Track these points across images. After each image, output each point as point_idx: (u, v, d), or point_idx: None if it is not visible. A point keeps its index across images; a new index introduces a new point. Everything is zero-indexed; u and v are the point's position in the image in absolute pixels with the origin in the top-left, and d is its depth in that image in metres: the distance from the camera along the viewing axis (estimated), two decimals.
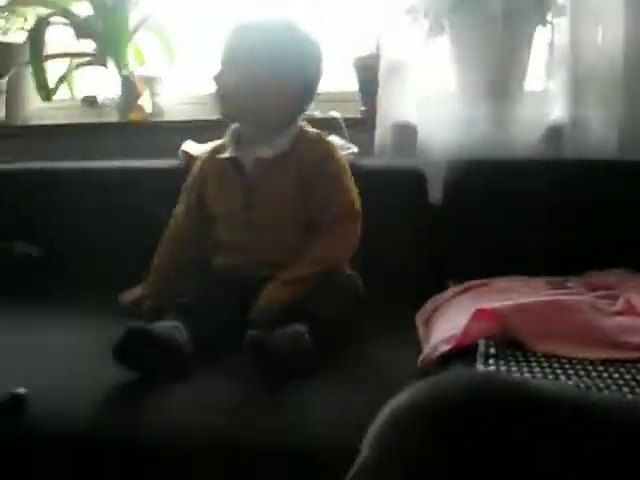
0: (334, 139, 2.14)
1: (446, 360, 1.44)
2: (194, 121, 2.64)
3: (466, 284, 1.84)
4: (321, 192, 1.76)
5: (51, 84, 2.70)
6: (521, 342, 1.40)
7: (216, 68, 1.81)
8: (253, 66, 1.75)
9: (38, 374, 1.45)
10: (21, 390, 1.33)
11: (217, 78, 1.79)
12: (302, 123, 1.87)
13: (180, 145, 2.28)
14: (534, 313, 1.43)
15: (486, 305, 1.46)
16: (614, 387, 1.23)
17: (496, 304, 1.46)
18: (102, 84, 2.86)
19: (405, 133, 2.38)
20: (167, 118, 2.75)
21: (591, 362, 1.33)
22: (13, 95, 2.75)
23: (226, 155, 1.84)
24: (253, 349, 1.41)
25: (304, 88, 1.82)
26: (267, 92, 1.76)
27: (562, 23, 2.38)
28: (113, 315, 1.75)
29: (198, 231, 1.91)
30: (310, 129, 1.87)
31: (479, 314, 1.44)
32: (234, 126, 1.88)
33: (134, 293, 1.88)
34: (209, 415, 1.33)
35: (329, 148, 1.83)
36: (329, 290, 1.64)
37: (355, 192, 1.80)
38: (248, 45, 1.77)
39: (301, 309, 1.56)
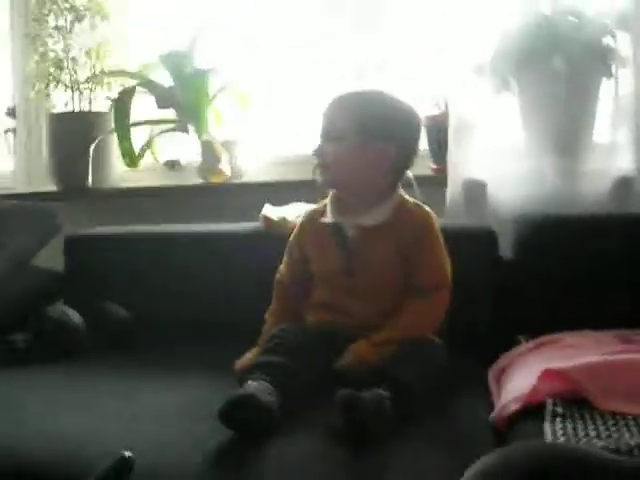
0: None
1: (516, 418, 1.49)
2: (274, 183, 2.75)
3: (537, 340, 1.89)
4: (417, 261, 1.80)
5: (135, 149, 2.84)
6: (588, 400, 1.45)
7: (315, 142, 1.86)
8: (352, 137, 1.78)
9: (142, 437, 1.51)
10: (128, 453, 1.36)
11: (317, 151, 1.84)
12: (402, 193, 1.90)
13: (259, 206, 2.38)
14: (599, 372, 1.48)
15: (554, 365, 1.52)
16: None
17: (563, 364, 1.51)
18: (183, 148, 3.00)
19: (475, 190, 2.45)
20: (247, 179, 2.87)
21: None
22: (98, 161, 2.87)
23: (328, 220, 1.87)
24: (344, 408, 1.44)
25: (403, 155, 1.85)
26: (367, 162, 1.80)
27: (626, 74, 2.43)
28: (202, 374, 1.87)
29: (301, 287, 1.95)
30: (409, 198, 1.90)
31: (547, 374, 1.50)
32: (333, 191, 1.91)
33: (246, 359, 1.86)
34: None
35: (427, 219, 1.86)
36: (414, 357, 1.66)
37: (448, 264, 1.84)
38: (345, 116, 1.81)
39: (385, 374, 1.59)
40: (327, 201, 1.91)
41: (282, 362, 1.66)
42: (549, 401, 1.46)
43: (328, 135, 1.83)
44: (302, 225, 1.98)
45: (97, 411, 1.67)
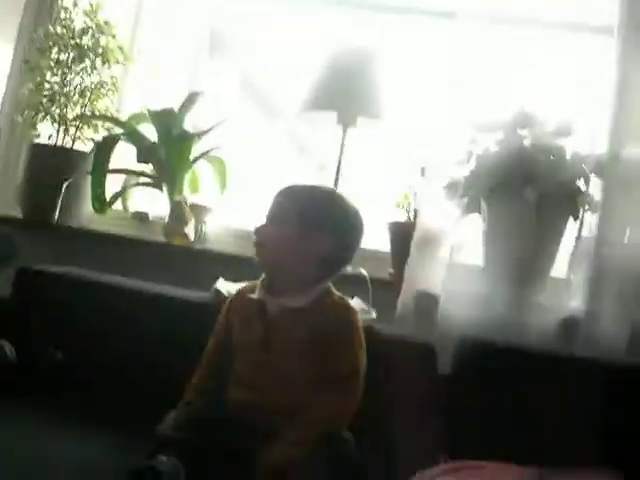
0: (356, 302, 2.27)
1: None
2: (234, 255, 2.77)
3: (457, 464, 1.91)
4: (332, 350, 1.84)
5: (107, 195, 2.86)
6: None
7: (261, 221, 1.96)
8: (287, 226, 1.89)
9: None
10: None
11: (257, 230, 1.94)
12: (329, 285, 1.97)
13: (216, 274, 2.41)
14: None
15: None
16: None
17: None
18: (154, 203, 3.03)
19: (427, 302, 2.49)
20: (210, 247, 2.90)
21: None
22: (69, 199, 2.89)
23: (254, 296, 1.94)
24: None
25: (335, 255, 1.93)
26: (298, 250, 1.89)
27: (592, 219, 2.51)
28: (120, 431, 1.90)
29: (224, 361, 1.99)
30: (335, 292, 1.97)
31: None
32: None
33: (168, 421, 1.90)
34: None
35: (348, 311, 1.92)
36: (326, 460, 1.68)
37: (361, 358, 1.88)
38: (287, 206, 1.93)
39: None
40: (259, 280, 1.99)
41: (192, 441, 1.70)
42: None
43: (271, 218, 1.95)
44: (232, 301, 2.05)
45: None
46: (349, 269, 2.52)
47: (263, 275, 1.99)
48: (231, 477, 1.61)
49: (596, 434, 2.07)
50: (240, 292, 2.05)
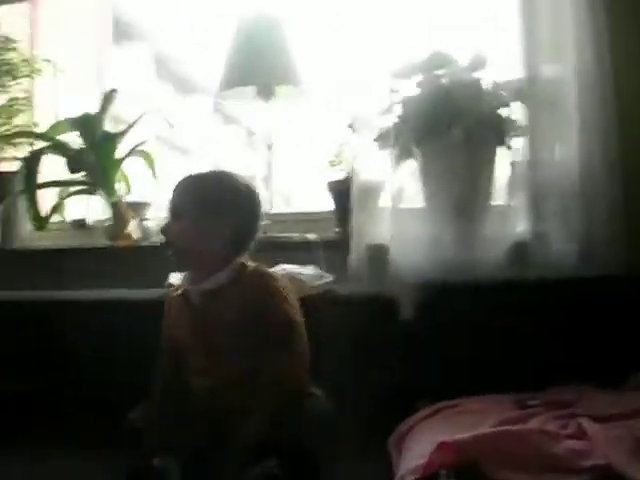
0: (311, 269, 2.30)
1: None
2: None
3: (436, 406, 1.96)
4: (264, 318, 1.90)
5: (43, 210, 2.84)
6: (480, 471, 1.51)
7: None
8: (189, 215, 1.96)
9: None
10: None
11: (162, 229, 2.03)
12: (242, 260, 2.02)
13: (167, 268, 2.41)
14: (491, 444, 1.55)
15: (449, 436, 1.58)
16: None
17: (457, 436, 1.58)
18: (92, 209, 3.01)
19: (378, 254, 2.52)
20: (155, 241, 2.88)
21: None
22: (8, 222, 2.86)
23: (179, 292, 2.05)
24: None
25: (239, 229, 2.00)
26: (203, 237, 1.96)
27: (521, 143, 2.55)
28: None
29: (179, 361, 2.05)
30: (251, 263, 2.03)
31: (442, 445, 1.56)
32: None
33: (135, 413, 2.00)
34: None
35: (266, 278, 1.99)
36: (292, 418, 1.77)
37: (291, 314, 1.94)
38: (183, 197, 2.00)
39: (269, 442, 1.69)
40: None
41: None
42: (443, 473, 1.52)
43: (171, 214, 2.01)
44: (167, 303, 2.12)
45: None
46: (296, 236, 2.57)
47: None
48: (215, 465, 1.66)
49: (561, 351, 2.14)
50: (172, 291, 2.13)
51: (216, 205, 1.96)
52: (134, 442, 1.82)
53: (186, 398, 1.96)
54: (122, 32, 10.38)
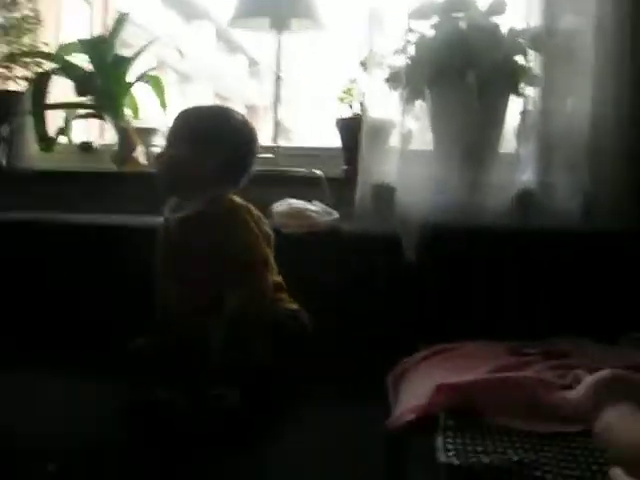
0: (316, 205, 2.31)
1: (411, 428, 1.58)
2: None
3: (435, 348, 1.99)
4: (227, 247, 1.93)
5: (50, 132, 2.83)
6: (478, 415, 1.54)
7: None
8: (182, 144, 1.99)
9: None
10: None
11: (157, 156, 2.11)
12: (222, 191, 2.04)
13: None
14: (489, 388, 1.59)
15: (447, 380, 1.61)
16: (560, 457, 1.38)
17: (457, 379, 1.61)
18: (98, 133, 3.00)
19: (384, 193, 2.53)
20: None
21: (540, 435, 1.47)
22: (14, 142, 2.85)
23: (160, 219, 2.10)
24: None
25: (225, 166, 2.00)
26: (193, 165, 1.97)
27: (534, 93, 2.55)
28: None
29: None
30: (235, 199, 2.05)
31: (441, 388, 1.59)
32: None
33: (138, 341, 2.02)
34: None
35: (235, 208, 2.01)
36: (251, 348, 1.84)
37: (256, 246, 1.97)
38: (179, 126, 2.04)
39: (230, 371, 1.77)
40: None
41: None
42: (442, 415, 1.55)
43: (167, 142, 2.06)
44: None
45: None
46: (302, 170, 2.58)
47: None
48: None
49: (559, 303, 2.16)
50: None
51: (208, 135, 1.99)
52: (134, 371, 1.83)
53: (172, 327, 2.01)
54: None
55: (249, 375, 1.76)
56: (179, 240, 2.00)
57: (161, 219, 2.10)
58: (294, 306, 2.01)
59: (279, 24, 2.73)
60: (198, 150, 1.97)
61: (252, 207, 2.06)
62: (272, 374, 1.80)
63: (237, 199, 2.04)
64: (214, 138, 1.99)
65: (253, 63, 11.87)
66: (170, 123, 2.07)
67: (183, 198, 2.04)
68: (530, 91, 2.54)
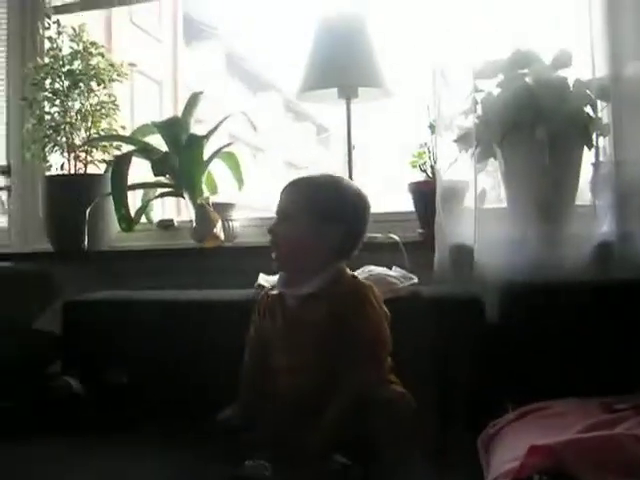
0: (396, 271, 2.32)
1: None
2: (266, 246, 2.80)
3: (523, 409, 1.97)
4: (351, 329, 1.90)
5: (130, 212, 2.90)
6: (574, 476, 1.52)
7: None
8: (300, 218, 1.96)
9: None
10: None
11: (270, 230, 2.03)
12: (342, 266, 2.03)
13: (253, 268, 2.46)
14: (583, 449, 1.55)
15: (541, 441, 1.59)
16: None
17: (549, 441, 1.58)
18: (176, 210, 3.07)
19: (462, 255, 2.52)
20: (240, 242, 2.96)
21: None
22: (94, 223, 2.92)
23: (274, 292, 2.07)
24: None
25: (349, 237, 2.00)
26: (312, 242, 1.96)
27: (606, 142, 2.54)
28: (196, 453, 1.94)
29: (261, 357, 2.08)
30: (348, 272, 2.04)
31: (534, 450, 1.57)
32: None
33: (226, 412, 2.04)
34: None
35: (361, 289, 1.98)
36: (372, 418, 1.77)
37: (382, 334, 1.93)
38: (295, 198, 2.01)
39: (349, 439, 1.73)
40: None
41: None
42: (536, 477, 1.53)
43: (280, 215, 2.02)
44: (259, 300, 2.15)
45: None
46: (379, 236, 2.60)
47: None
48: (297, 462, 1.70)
49: None
50: (266, 290, 2.16)
51: (327, 211, 1.96)
52: (224, 443, 1.84)
53: (270, 398, 1.99)
54: (194, 31, 10.53)
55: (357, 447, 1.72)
56: (299, 315, 1.97)
57: (266, 292, 2.12)
58: (400, 389, 1.96)
59: (347, 94, 2.76)
60: (317, 226, 1.95)
61: (374, 286, 2.02)
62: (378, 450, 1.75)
63: (360, 278, 2.05)
64: (334, 210, 1.97)
65: (322, 130, 11.99)
66: (280, 194, 2.05)
67: (297, 273, 2.01)
68: (602, 142, 2.52)
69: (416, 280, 2.33)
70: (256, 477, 1.65)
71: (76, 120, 3.08)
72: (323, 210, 1.95)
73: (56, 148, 3.09)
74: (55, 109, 3.09)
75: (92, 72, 3.06)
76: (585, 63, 2.49)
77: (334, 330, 1.90)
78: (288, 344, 1.98)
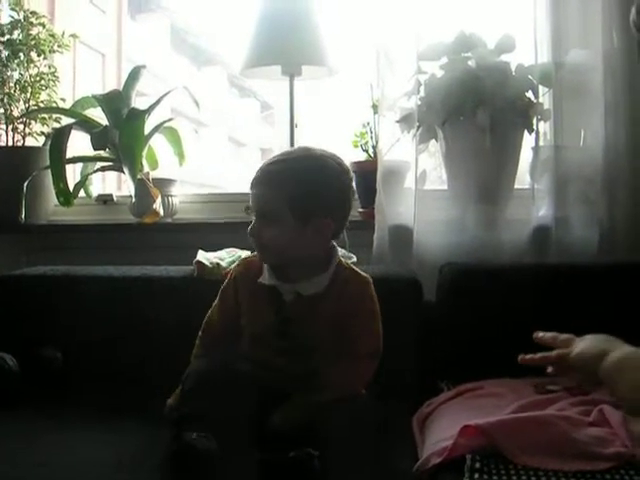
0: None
1: (437, 470, 1.58)
2: (206, 223, 2.87)
3: (459, 388, 2.00)
4: (352, 329, 1.84)
5: (69, 186, 2.86)
6: (504, 455, 1.54)
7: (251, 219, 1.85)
8: (288, 218, 1.76)
9: None
10: None
11: (252, 232, 1.82)
12: (340, 259, 1.90)
13: (192, 244, 2.44)
14: (514, 429, 1.58)
15: (473, 421, 1.61)
16: None
17: (481, 420, 1.60)
18: (116, 184, 3.03)
19: (401, 235, 2.55)
20: (179, 218, 2.95)
21: (565, 474, 1.47)
22: (32, 196, 2.87)
23: (266, 282, 1.86)
24: (264, 472, 1.55)
25: (340, 223, 1.85)
26: (307, 240, 1.78)
27: (546, 127, 2.57)
28: (135, 422, 1.92)
29: (230, 336, 1.94)
30: (344, 262, 1.91)
31: (466, 430, 1.59)
32: None
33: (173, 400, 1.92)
34: None
35: (364, 288, 1.88)
36: (343, 414, 1.69)
37: (380, 331, 1.89)
38: (277, 196, 1.77)
39: (316, 433, 1.66)
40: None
41: (216, 408, 1.68)
42: (468, 457, 1.55)
43: (262, 216, 1.81)
44: (237, 277, 1.95)
45: (21, 461, 1.69)
46: None
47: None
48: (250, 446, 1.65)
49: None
50: (244, 269, 1.95)
51: (318, 203, 1.77)
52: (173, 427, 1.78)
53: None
54: (139, 3, 10.43)
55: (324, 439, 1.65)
56: (301, 316, 1.83)
57: (263, 282, 1.89)
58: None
59: (290, 71, 2.75)
60: (313, 222, 1.77)
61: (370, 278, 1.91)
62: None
63: (358, 270, 1.92)
64: (323, 202, 1.78)
65: (266, 107, 11.96)
66: (254, 185, 1.81)
67: (292, 269, 1.85)
68: (542, 126, 2.55)
69: (355, 259, 2.33)
70: (200, 446, 1.60)
71: (15, 91, 3.00)
72: (311, 205, 1.76)
73: None
74: None
75: (32, 42, 2.99)
76: (528, 48, 2.53)
77: (332, 330, 1.83)
78: (282, 341, 1.85)
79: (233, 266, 2.04)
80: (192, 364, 1.89)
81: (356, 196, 2.71)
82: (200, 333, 1.99)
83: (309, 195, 1.76)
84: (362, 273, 1.91)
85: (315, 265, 1.85)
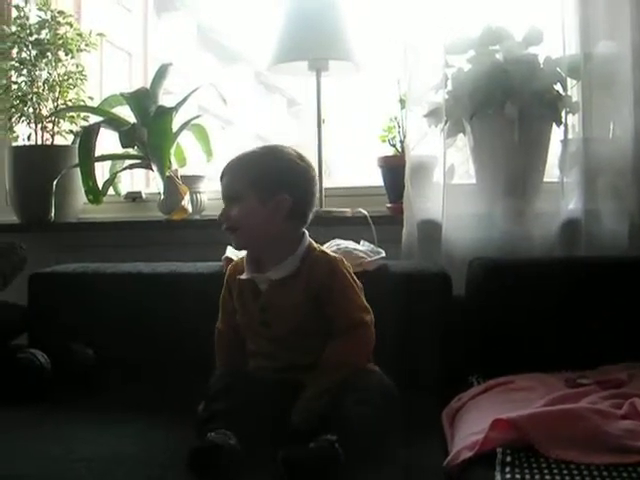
0: (364, 245, 2.32)
1: (468, 465, 1.58)
2: None
3: (489, 382, 1.99)
4: (330, 306, 1.90)
5: (97, 184, 2.87)
6: (535, 449, 1.54)
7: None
8: (248, 196, 1.90)
9: None
10: None
11: (221, 216, 1.96)
12: (309, 242, 1.98)
13: (220, 241, 2.45)
14: (546, 422, 1.57)
15: (503, 414, 1.60)
16: None
17: (512, 413, 1.60)
18: (145, 182, 3.04)
19: (430, 230, 2.54)
20: (208, 214, 2.95)
21: (597, 467, 1.46)
22: (61, 195, 2.90)
23: (244, 277, 1.97)
24: (286, 469, 1.54)
25: (299, 200, 1.93)
26: (267, 216, 1.90)
27: (575, 120, 2.55)
28: (164, 418, 1.94)
29: (238, 337, 2.03)
30: (315, 246, 1.99)
31: (497, 423, 1.59)
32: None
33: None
34: None
35: (333, 264, 1.95)
36: (355, 393, 1.75)
37: (361, 301, 1.93)
38: (238, 177, 1.93)
39: (332, 416, 1.69)
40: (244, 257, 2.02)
41: (236, 409, 1.75)
42: (499, 450, 1.55)
43: (229, 199, 1.95)
44: (227, 281, 2.07)
45: (57, 456, 1.70)
46: (348, 210, 2.60)
47: (245, 253, 2.02)
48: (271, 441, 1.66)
49: (612, 330, 2.15)
50: (232, 273, 2.06)
51: (273, 179, 1.90)
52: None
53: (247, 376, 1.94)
54: (164, 2, 10.47)
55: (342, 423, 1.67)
56: (274, 299, 1.92)
57: (242, 277, 1.99)
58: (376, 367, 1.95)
59: (317, 67, 2.75)
60: (266, 196, 1.88)
61: (343, 258, 2.00)
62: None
63: (328, 251, 2.01)
64: (283, 180, 1.90)
65: (292, 103, 11.96)
66: (222, 176, 1.97)
67: (263, 254, 1.97)
68: (571, 119, 2.54)
69: (384, 254, 2.33)
70: (221, 444, 1.61)
71: (43, 90, 3.04)
72: (267, 181, 1.89)
73: (23, 118, 3.05)
74: (22, 79, 3.04)
75: (60, 42, 3.02)
76: (556, 41, 2.51)
77: (312, 309, 1.90)
78: (266, 329, 1.94)
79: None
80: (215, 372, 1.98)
81: (384, 191, 2.74)
82: (216, 347, 2.07)
83: (264, 172, 1.91)
84: (332, 254, 2.00)
85: (285, 250, 1.93)
